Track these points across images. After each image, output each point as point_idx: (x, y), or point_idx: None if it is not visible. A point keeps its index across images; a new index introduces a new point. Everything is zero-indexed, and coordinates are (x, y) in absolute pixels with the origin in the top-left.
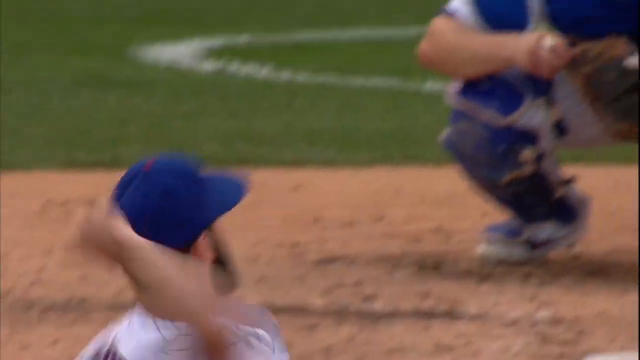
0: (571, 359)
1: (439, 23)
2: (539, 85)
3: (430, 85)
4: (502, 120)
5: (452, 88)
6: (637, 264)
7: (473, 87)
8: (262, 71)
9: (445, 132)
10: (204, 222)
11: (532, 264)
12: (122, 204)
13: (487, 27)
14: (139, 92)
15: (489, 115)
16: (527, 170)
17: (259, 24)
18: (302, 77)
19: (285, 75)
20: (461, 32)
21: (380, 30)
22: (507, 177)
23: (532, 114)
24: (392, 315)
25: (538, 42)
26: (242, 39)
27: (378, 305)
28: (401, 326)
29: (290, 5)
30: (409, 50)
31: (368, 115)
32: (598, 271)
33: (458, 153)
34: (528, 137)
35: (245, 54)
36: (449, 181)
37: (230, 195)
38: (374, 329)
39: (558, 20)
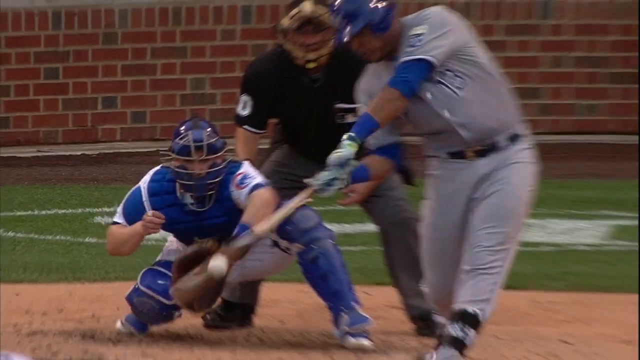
0: None
1: (112, 228)
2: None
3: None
4: (167, 302)
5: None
6: None
7: (151, 279)
8: None
9: (130, 292)
10: None
11: None
12: None
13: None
14: None
15: (159, 298)
16: (177, 317)
17: None
18: None
19: None
20: (122, 229)
21: None
22: (161, 324)
23: None
24: None
25: (146, 216)
26: None
27: None
28: None
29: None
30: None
31: None
32: None
33: (137, 310)
34: (179, 307)
35: None
36: None
37: None
38: None
39: (167, 229)
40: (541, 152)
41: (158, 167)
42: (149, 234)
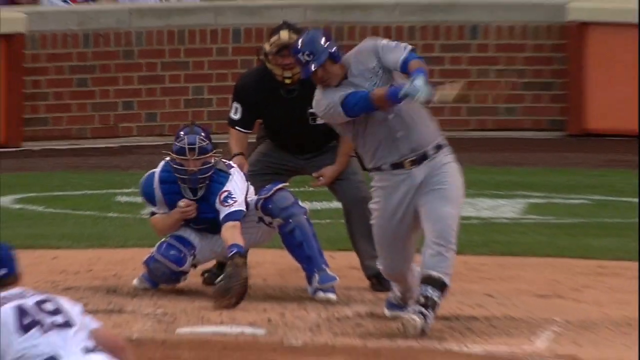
0: None
1: (153, 220)
2: (191, 250)
3: None
4: (177, 269)
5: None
6: None
7: (165, 250)
8: None
9: (148, 259)
10: None
11: None
12: None
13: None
14: None
15: (170, 265)
16: (183, 280)
17: None
18: None
19: None
20: (162, 219)
21: None
22: (174, 285)
23: (189, 263)
24: None
25: (180, 206)
26: None
27: None
28: None
29: None
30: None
31: None
32: None
33: (152, 274)
34: (185, 272)
35: None
36: None
37: None
38: None
39: (170, 206)
40: (471, 145)
41: (167, 159)
42: (187, 218)
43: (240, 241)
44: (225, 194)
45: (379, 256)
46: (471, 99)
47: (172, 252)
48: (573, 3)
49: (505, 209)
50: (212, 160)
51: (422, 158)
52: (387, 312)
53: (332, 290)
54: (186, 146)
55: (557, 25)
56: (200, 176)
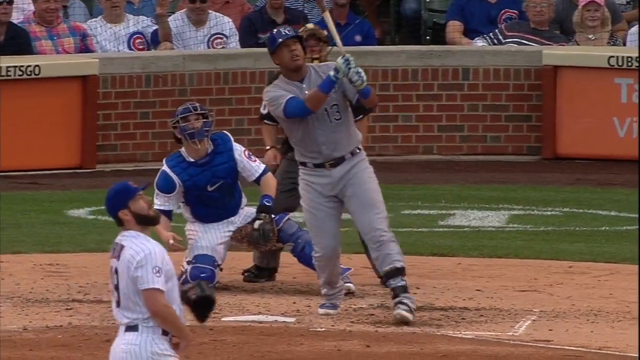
0: None
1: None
2: (215, 262)
3: None
4: (211, 284)
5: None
6: None
7: (196, 274)
8: None
9: (182, 280)
10: None
11: None
12: None
13: (164, 194)
14: None
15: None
16: (216, 285)
17: None
18: None
19: None
20: (161, 226)
21: None
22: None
23: (218, 274)
24: None
25: (172, 242)
26: None
27: None
28: None
29: None
30: None
31: None
32: None
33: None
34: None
35: None
36: None
37: None
38: None
39: (188, 186)
40: (463, 167)
41: (165, 158)
42: (169, 249)
43: (273, 193)
44: (247, 152)
45: (314, 241)
46: (464, 128)
47: (203, 275)
48: (547, 50)
49: (492, 219)
50: (210, 118)
51: (339, 161)
52: (331, 312)
53: (349, 280)
54: (189, 106)
55: (534, 69)
56: (205, 128)
